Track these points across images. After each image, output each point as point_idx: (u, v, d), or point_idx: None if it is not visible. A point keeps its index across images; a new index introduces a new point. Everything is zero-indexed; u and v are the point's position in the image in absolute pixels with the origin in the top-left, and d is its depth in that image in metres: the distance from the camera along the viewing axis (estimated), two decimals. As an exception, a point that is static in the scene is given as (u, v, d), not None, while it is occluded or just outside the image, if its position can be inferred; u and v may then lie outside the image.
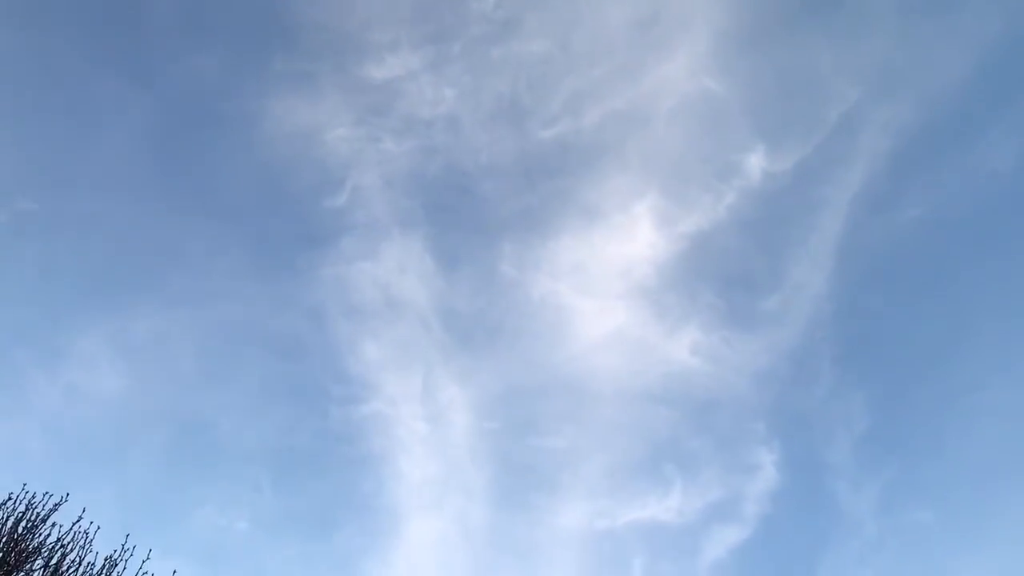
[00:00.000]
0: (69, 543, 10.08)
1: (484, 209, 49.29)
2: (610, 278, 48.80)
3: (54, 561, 9.93)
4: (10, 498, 10.13)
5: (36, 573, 9.94)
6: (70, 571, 9.84)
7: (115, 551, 9.95)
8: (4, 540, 9.66)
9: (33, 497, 10.35)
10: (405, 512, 44.86)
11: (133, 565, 9.91)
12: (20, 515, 9.99)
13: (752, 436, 44.88)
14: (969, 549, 38.33)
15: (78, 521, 10.30)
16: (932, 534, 39.47)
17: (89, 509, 10.58)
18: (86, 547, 10.10)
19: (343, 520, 46.91)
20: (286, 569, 43.54)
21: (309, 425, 46.82)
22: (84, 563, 9.88)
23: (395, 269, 47.91)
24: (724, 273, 49.41)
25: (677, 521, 43.76)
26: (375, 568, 43.67)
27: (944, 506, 40.40)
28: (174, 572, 10.03)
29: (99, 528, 10.62)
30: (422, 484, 45.28)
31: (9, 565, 9.55)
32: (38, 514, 10.22)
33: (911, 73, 45.45)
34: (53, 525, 10.37)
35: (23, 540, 9.82)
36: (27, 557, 9.76)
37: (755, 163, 45.10)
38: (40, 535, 9.93)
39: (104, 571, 9.87)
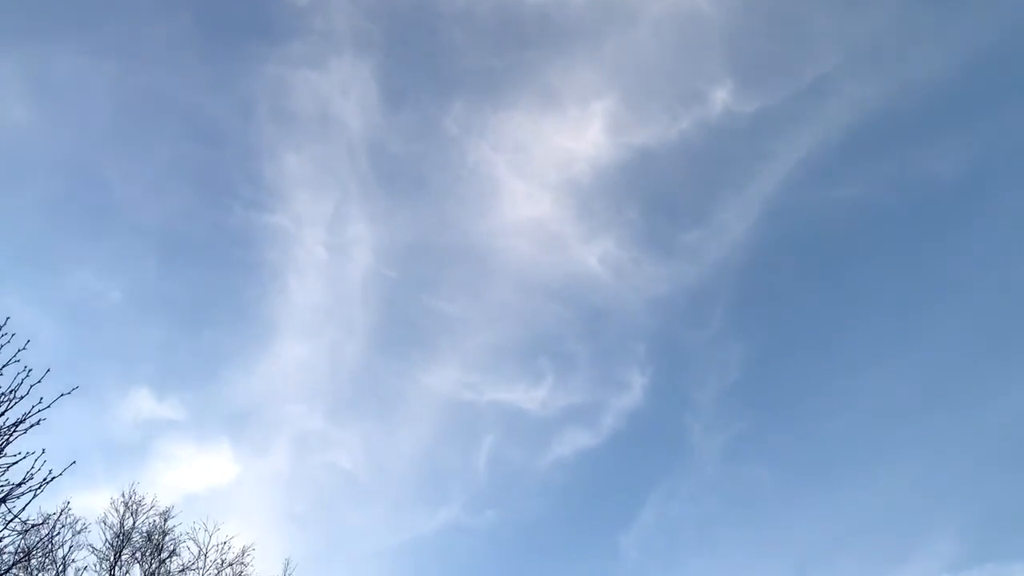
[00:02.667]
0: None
1: (445, 57, 47.15)
2: (547, 166, 48.49)
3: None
4: None
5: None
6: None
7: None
8: None
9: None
10: (282, 330, 45.12)
11: (7, 351, 9.62)
12: None
13: (630, 356, 47.21)
14: (793, 511, 42.74)
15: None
16: (763, 490, 43.63)
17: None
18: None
19: (217, 320, 46.76)
20: (148, 352, 43.37)
21: (209, 217, 45.45)
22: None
23: (338, 88, 45.65)
24: (656, 196, 50.04)
25: (538, 413, 46.25)
26: (237, 376, 44.19)
27: (780, 469, 44.48)
28: (7, 319, 9.60)
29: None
30: (306, 309, 45.43)
31: None
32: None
33: (895, 59, 45.64)
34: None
35: None
36: None
37: (720, 97, 44.89)
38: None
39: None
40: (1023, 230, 42.73)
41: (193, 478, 40.96)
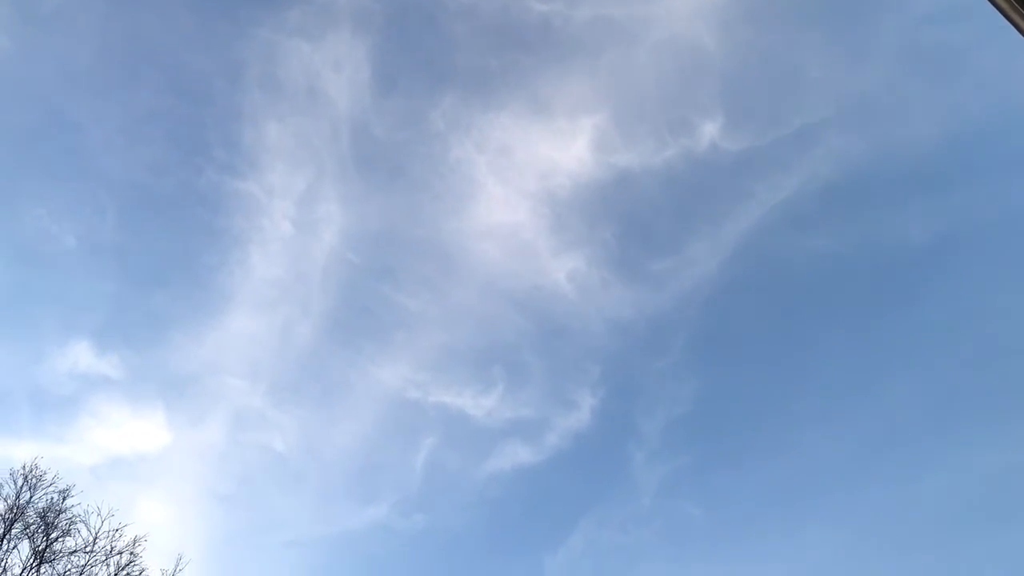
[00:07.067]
0: None
1: (443, 49, 46.56)
2: (529, 174, 48.11)
3: None
4: None
5: None
6: None
7: None
8: None
9: None
10: (236, 302, 44.42)
11: None
12: None
13: (584, 376, 47.05)
14: (723, 554, 42.80)
15: None
16: (695, 529, 43.63)
17: None
18: None
19: (171, 281, 45.90)
20: (94, 304, 42.41)
21: (179, 175, 44.53)
22: None
23: (331, 64, 44.90)
24: (632, 219, 49.90)
25: (483, 421, 45.95)
26: (183, 341, 43.43)
27: (715, 511, 44.49)
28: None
29: None
30: (263, 283, 44.75)
31: None
32: None
33: (882, 119, 45.79)
34: None
35: None
36: None
37: (708, 131, 44.80)
38: None
39: None
40: (980, 305, 43.16)
41: (122, 440, 40.33)
